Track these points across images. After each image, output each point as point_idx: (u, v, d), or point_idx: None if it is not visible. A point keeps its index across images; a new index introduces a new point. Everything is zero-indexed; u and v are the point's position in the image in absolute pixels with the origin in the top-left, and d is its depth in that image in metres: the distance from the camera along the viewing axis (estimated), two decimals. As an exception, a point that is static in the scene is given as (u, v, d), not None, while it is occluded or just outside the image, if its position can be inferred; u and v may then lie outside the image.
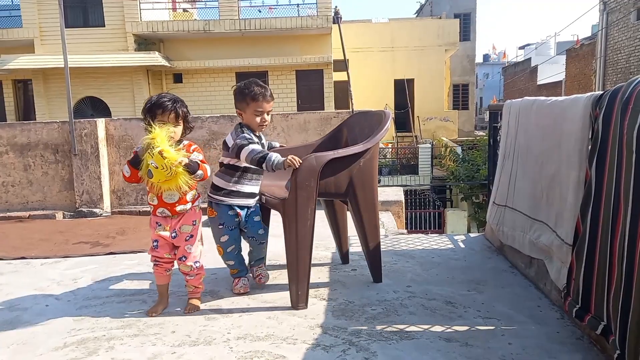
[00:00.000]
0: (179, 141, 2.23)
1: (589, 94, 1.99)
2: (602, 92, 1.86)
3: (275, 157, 2.20)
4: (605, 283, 1.63)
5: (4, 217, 4.71)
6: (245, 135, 2.31)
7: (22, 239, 3.94)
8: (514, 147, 2.81)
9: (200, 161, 2.21)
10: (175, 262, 2.29)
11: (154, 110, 2.16)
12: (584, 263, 1.79)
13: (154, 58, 13.74)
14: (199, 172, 2.17)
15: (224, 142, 2.40)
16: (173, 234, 2.23)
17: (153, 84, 14.65)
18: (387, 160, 16.25)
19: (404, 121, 19.08)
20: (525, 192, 2.60)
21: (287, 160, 2.17)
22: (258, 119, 2.36)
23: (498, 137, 3.37)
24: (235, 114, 2.46)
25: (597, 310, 1.69)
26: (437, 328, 2.01)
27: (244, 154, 2.25)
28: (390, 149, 16.75)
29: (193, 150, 2.24)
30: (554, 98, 2.41)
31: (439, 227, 12.90)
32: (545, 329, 1.98)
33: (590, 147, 1.87)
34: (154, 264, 2.28)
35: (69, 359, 1.84)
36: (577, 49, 18.03)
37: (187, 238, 2.25)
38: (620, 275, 1.50)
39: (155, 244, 2.24)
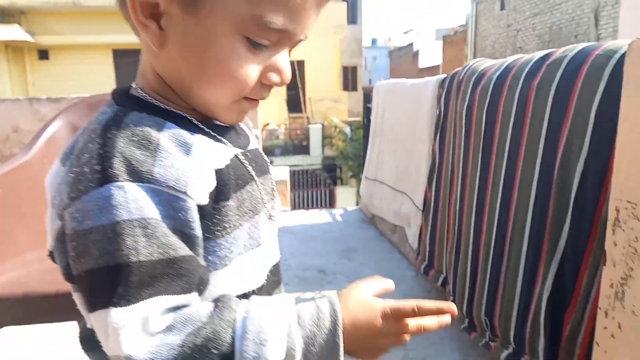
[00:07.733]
0: None
1: (438, 76, 2.22)
2: (446, 75, 2.09)
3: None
4: (444, 242, 1.88)
5: None
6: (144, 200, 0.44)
7: None
8: (382, 126, 3.05)
9: None
10: None
11: None
12: (429, 226, 2.03)
13: (14, 32, 12.25)
14: None
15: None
16: None
17: (14, 61, 13.09)
18: (280, 141, 16.40)
19: (296, 102, 19.30)
20: (390, 166, 2.85)
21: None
22: (258, 71, 0.53)
23: (371, 117, 3.60)
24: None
25: (439, 265, 1.94)
26: (308, 295, 2.15)
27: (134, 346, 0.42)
28: (284, 130, 16.91)
29: None
30: (415, 80, 2.65)
31: (331, 204, 13.40)
32: (401, 286, 2.21)
33: (435, 123, 2.11)
34: None
35: None
36: (452, 36, 19.54)
37: None
38: (454, 235, 1.74)
39: None
